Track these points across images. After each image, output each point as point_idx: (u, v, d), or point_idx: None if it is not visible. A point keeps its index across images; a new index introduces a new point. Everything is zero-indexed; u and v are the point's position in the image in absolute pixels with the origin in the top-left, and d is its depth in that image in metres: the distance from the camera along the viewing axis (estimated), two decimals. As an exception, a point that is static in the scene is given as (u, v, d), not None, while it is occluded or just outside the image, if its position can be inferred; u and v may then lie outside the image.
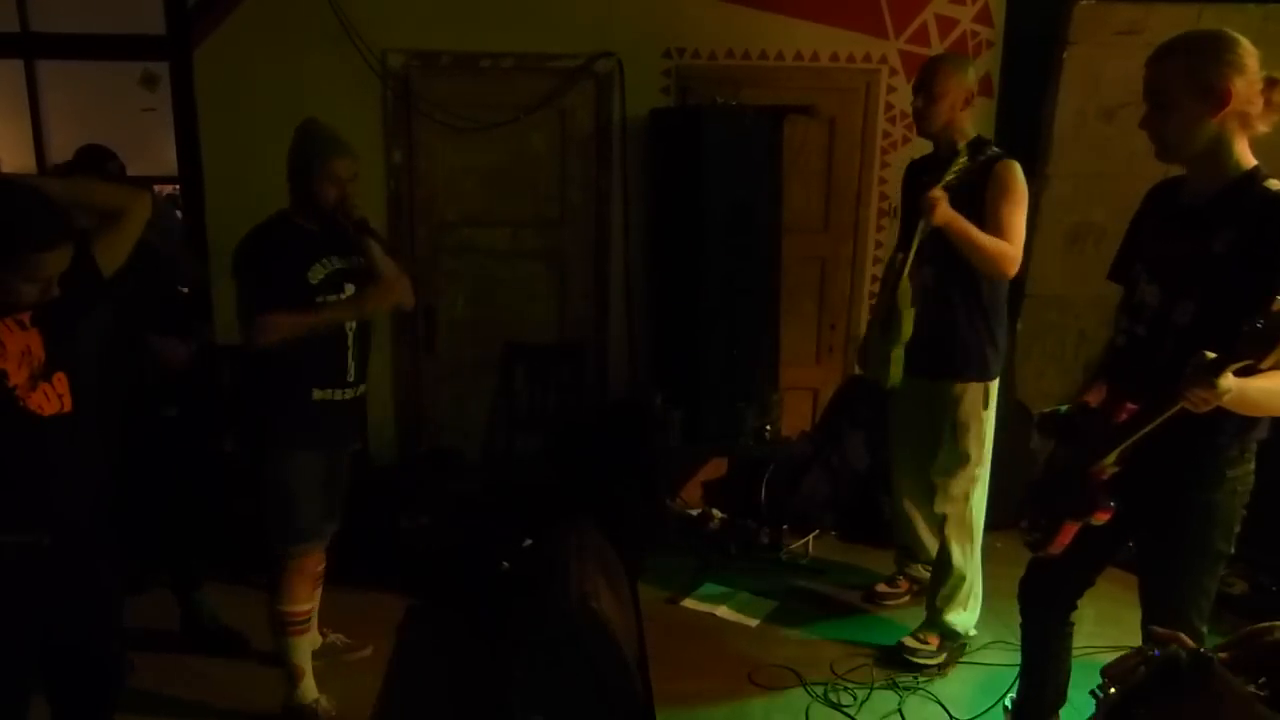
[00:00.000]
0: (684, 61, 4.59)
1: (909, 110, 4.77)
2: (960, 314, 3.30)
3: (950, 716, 3.18)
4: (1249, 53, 2.03)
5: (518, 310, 4.84)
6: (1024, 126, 4.66)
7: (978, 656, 3.53)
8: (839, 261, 4.97)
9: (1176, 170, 2.25)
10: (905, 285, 3.24)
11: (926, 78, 3.26)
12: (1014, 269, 3.15)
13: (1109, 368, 2.39)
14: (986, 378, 3.39)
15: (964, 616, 3.49)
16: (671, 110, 4.55)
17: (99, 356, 2.21)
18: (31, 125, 4.94)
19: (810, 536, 4.50)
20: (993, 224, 3.12)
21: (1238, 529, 2.24)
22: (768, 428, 4.64)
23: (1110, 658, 1.42)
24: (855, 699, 3.27)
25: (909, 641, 3.49)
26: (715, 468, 4.81)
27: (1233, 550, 2.26)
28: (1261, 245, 1.97)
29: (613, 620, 3.25)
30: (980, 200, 3.15)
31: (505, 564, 3.84)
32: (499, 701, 3.19)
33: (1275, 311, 1.74)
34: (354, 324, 2.98)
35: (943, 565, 3.51)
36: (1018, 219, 3.14)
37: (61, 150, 4.75)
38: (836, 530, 4.66)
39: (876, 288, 4.92)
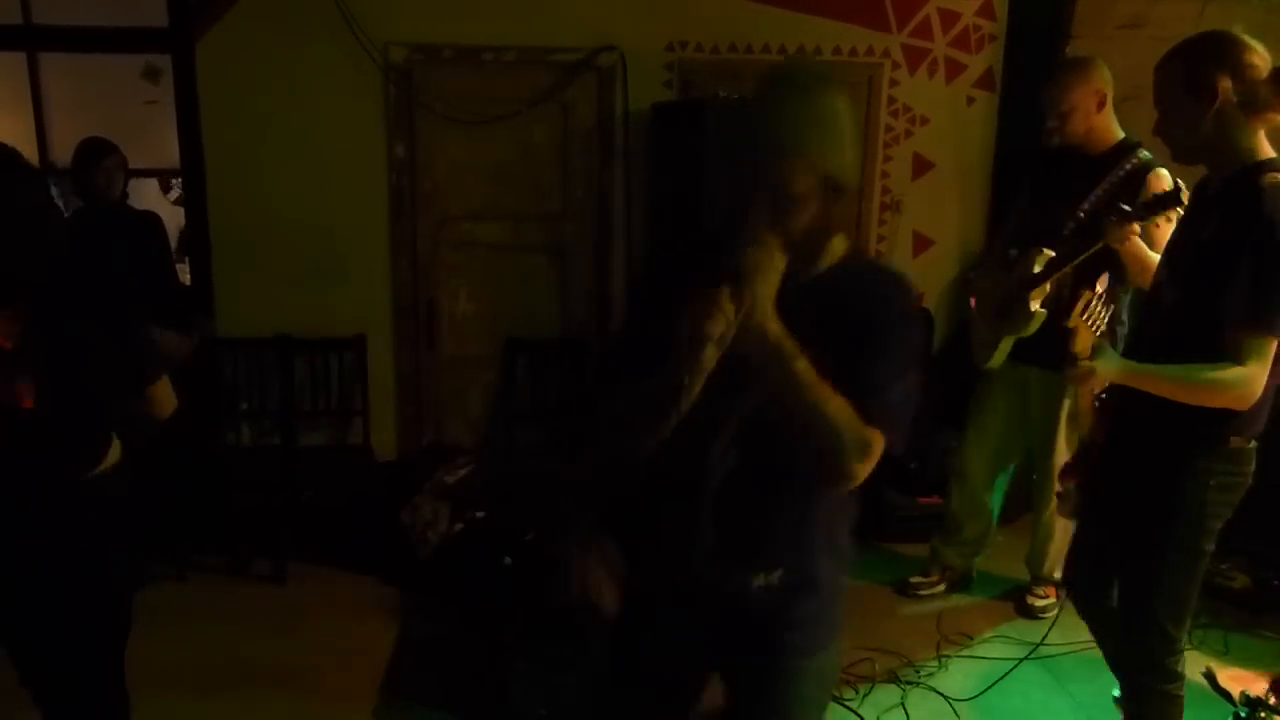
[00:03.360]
0: (686, 55, 4.58)
1: (911, 104, 4.80)
2: None
3: (953, 710, 3.18)
4: (1245, 49, 2.07)
5: (519, 304, 4.84)
6: (1026, 121, 4.66)
7: (979, 650, 3.54)
8: (841, 256, 4.96)
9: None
10: (1045, 288, 3.13)
11: (1051, 96, 3.17)
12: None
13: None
14: None
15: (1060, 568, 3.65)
16: (674, 104, 4.54)
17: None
18: (34, 118, 4.94)
19: (812, 531, 4.50)
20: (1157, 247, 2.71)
21: (1216, 526, 2.22)
22: None
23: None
24: (858, 693, 3.27)
25: (1031, 600, 3.73)
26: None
27: (1210, 548, 2.25)
28: (1232, 227, 2.02)
29: (615, 615, 3.25)
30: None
31: (507, 559, 3.84)
32: (501, 696, 3.20)
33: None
34: None
35: (1044, 530, 3.69)
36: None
37: (63, 143, 4.76)
38: (838, 525, 4.66)
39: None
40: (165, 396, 2.28)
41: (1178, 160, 2.25)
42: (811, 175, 1.46)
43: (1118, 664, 2.52)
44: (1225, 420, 2.13)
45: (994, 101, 4.78)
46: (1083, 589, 2.66)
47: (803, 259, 1.52)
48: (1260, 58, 2.07)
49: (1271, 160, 2.09)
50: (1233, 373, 2.01)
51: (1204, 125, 2.09)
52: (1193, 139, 2.12)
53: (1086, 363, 2.05)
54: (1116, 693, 2.82)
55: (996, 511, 3.95)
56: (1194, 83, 2.08)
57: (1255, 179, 2.04)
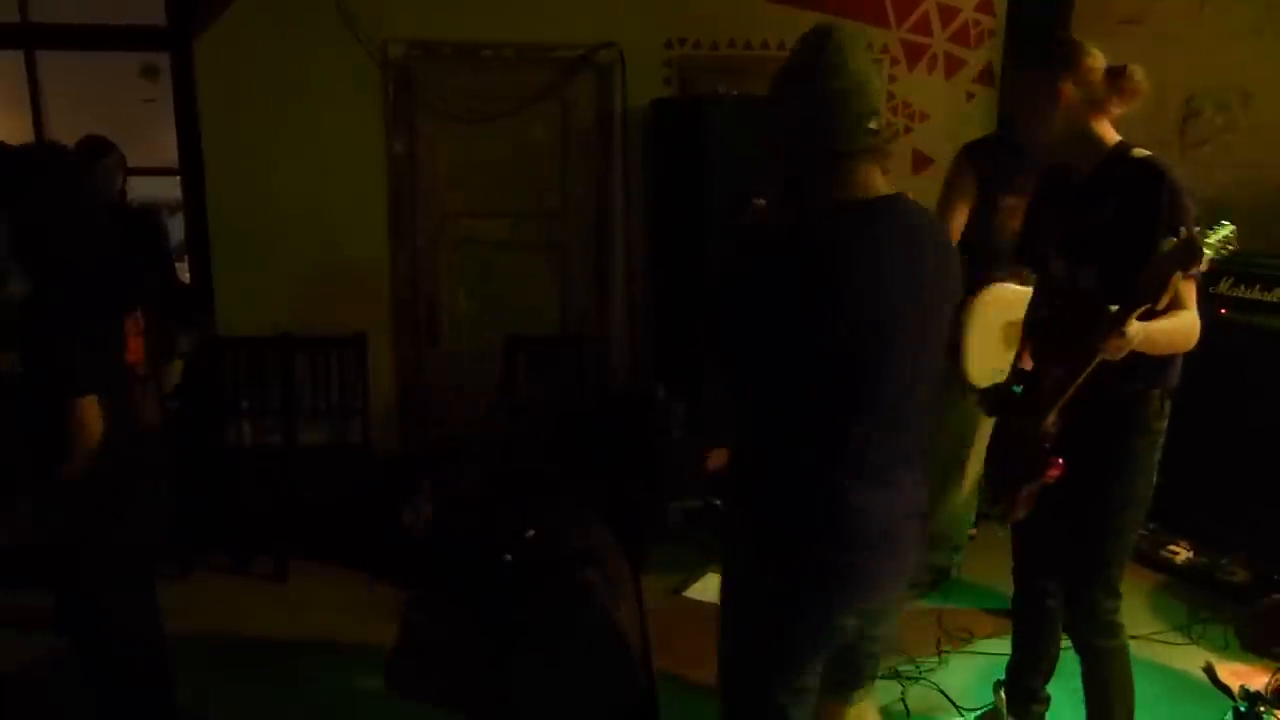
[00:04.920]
0: (685, 52, 4.58)
1: (911, 100, 4.80)
2: None
3: (953, 705, 3.19)
4: (1084, 53, 2.33)
5: (519, 301, 4.84)
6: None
7: (979, 646, 3.54)
8: (841, 252, 4.95)
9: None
10: None
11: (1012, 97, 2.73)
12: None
13: (1034, 339, 2.59)
14: None
15: None
16: (673, 100, 4.54)
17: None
18: (32, 116, 4.93)
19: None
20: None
21: (1155, 477, 2.43)
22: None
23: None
24: (857, 688, 3.27)
25: None
26: (718, 458, 4.80)
27: (1150, 493, 2.45)
28: (1138, 205, 2.24)
29: (616, 611, 3.26)
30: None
31: (507, 555, 3.84)
32: (502, 692, 3.20)
33: (1160, 257, 2.03)
34: None
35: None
36: None
37: (62, 141, 4.75)
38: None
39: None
40: (86, 420, 2.19)
41: (1038, 157, 2.51)
42: None
43: (1074, 637, 2.59)
44: (1161, 380, 2.37)
45: (993, 97, 4.78)
46: (1030, 596, 2.77)
47: None
48: (1096, 59, 2.33)
49: (1124, 141, 2.34)
50: (1190, 316, 2.25)
51: (1057, 119, 2.34)
52: (1048, 136, 2.37)
53: (1130, 330, 2.09)
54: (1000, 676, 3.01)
55: (970, 508, 3.94)
56: (1046, 88, 2.33)
57: (1127, 156, 2.31)
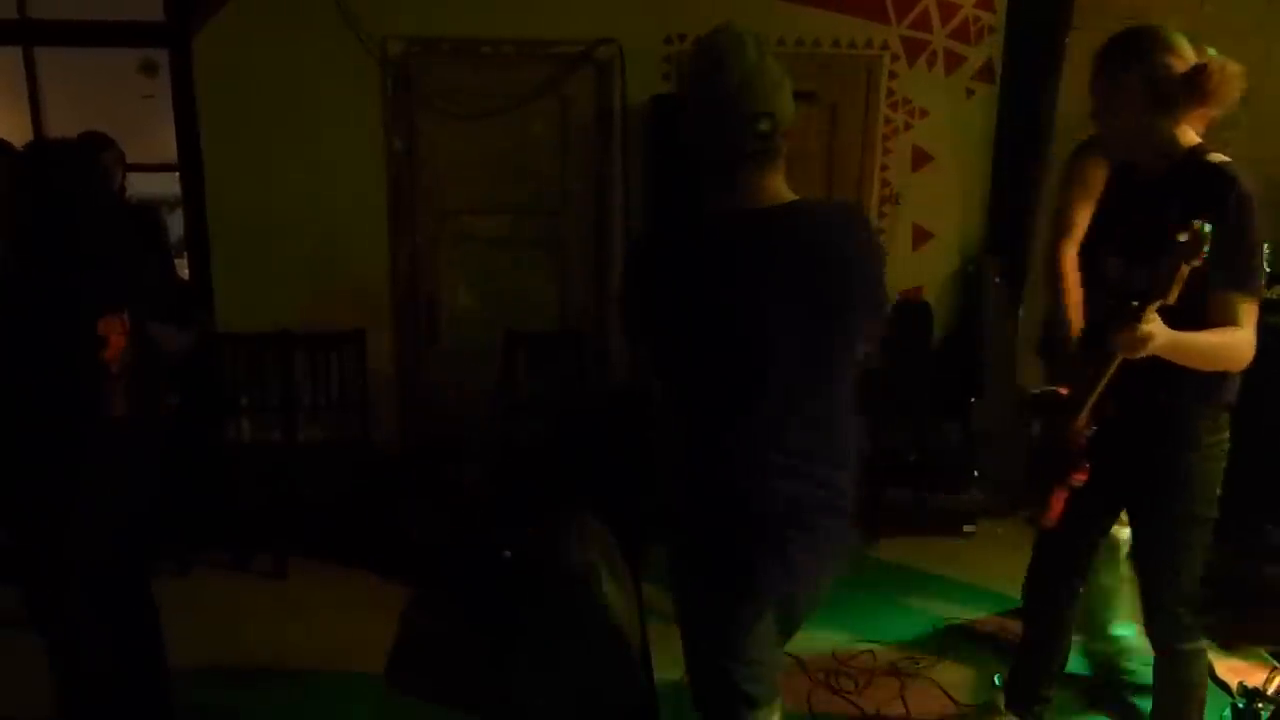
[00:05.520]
0: (685, 48, 4.56)
1: (910, 96, 4.79)
2: None
3: (952, 702, 3.19)
4: (1161, 48, 2.19)
5: (519, 298, 4.84)
6: (1026, 113, 4.65)
7: (980, 643, 3.54)
8: (840, 248, 4.95)
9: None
10: None
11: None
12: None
13: (1084, 341, 2.52)
14: None
15: None
16: (673, 97, 4.53)
17: None
18: (30, 112, 4.93)
19: (811, 523, 4.50)
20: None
21: (1219, 492, 2.35)
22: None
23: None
24: (857, 685, 3.28)
25: None
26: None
27: (1216, 514, 2.38)
28: (1204, 211, 2.07)
29: (615, 609, 3.26)
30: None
31: (506, 552, 3.84)
32: (502, 691, 3.20)
33: (1175, 249, 1.94)
34: None
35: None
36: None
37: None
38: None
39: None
40: None
41: (1107, 145, 2.41)
42: None
43: (1153, 640, 2.56)
44: (1215, 394, 2.28)
45: (994, 93, 4.77)
46: (1047, 600, 2.72)
47: None
48: (1176, 57, 2.18)
49: (1201, 145, 2.23)
50: (1242, 335, 2.14)
51: (1124, 115, 2.24)
52: (1115, 126, 2.28)
53: (1147, 326, 2.01)
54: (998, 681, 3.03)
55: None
56: (1112, 76, 2.24)
57: (1200, 160, 2.19)
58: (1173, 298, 2.00)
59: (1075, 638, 2.99)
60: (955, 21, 4.68)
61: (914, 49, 4.70)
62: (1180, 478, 2.33)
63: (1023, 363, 4.73)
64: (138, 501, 2.58)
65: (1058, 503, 2.39)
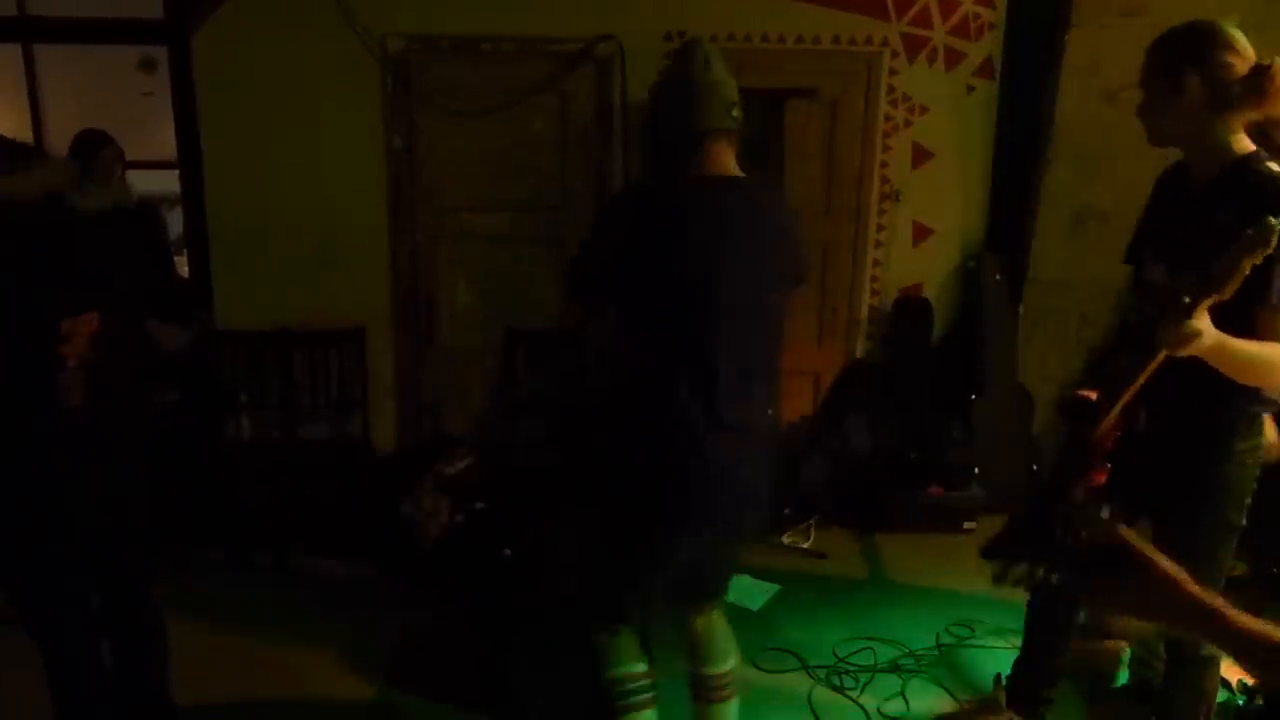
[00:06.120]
0: (685, 45, 4.56)
1: (911, 93, 4.79)
2: None
3: (953, 698, 3.19)
4: (1222, 46, 2.12)
5: (519, 295, 4.83)
6: (1026, 110, 4.65)
7: (981, 640, 3.54)
8: (840, 245, 4.95)
9: (1175, 154, 2.31)
10: None
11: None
12: None
13: (1121, 342, 2.44)
14: None
15: None
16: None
17: None
18: (30, 110, 4.93)
19: (811, 521, 4.51)
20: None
21: (1249, 501, 2.31)
22: (769, 411, 4.63)
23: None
24: (858, 682, 3.28)
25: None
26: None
27: (1244, 522, 2.34)
28: (1252, 215, 1.99)
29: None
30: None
31: (507, 550, 3.84)
32: (502, 688, 3.21)
33: (1238, 243, 1.84)
34: None
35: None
36: None
37: (59, 135, 4.74)
38: (838, 514, 4.67)
39: (878, 271, 4.92)
40: None
41: (1153, 142, 2.27)
42: None
43: (1168, 646, 2.57)
44: (1251, 404, 2.23)
45: (994, 90, 4.76)
46: (1051, 599, 2.68)
47: None
48: (1237, 56, 2.11)
49: (1257, 153, 2.14)
50: None
51: (1175, 115, 2.16)
52: (1165, 125, 2.20)
53: (1196, 323, 1.93)
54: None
55: None
56: (1168, 73, 2.15)
57: (1257, 168, 2.09)
58: (1229, 293, 1.91)
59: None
60: (955, 18, 4.67)
61: (914, 45, 4.69)
62: (1212, 485, 2.29)
63: (1023, 358, 4.73)
64: (119, 496, 2.57)
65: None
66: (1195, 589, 1.16)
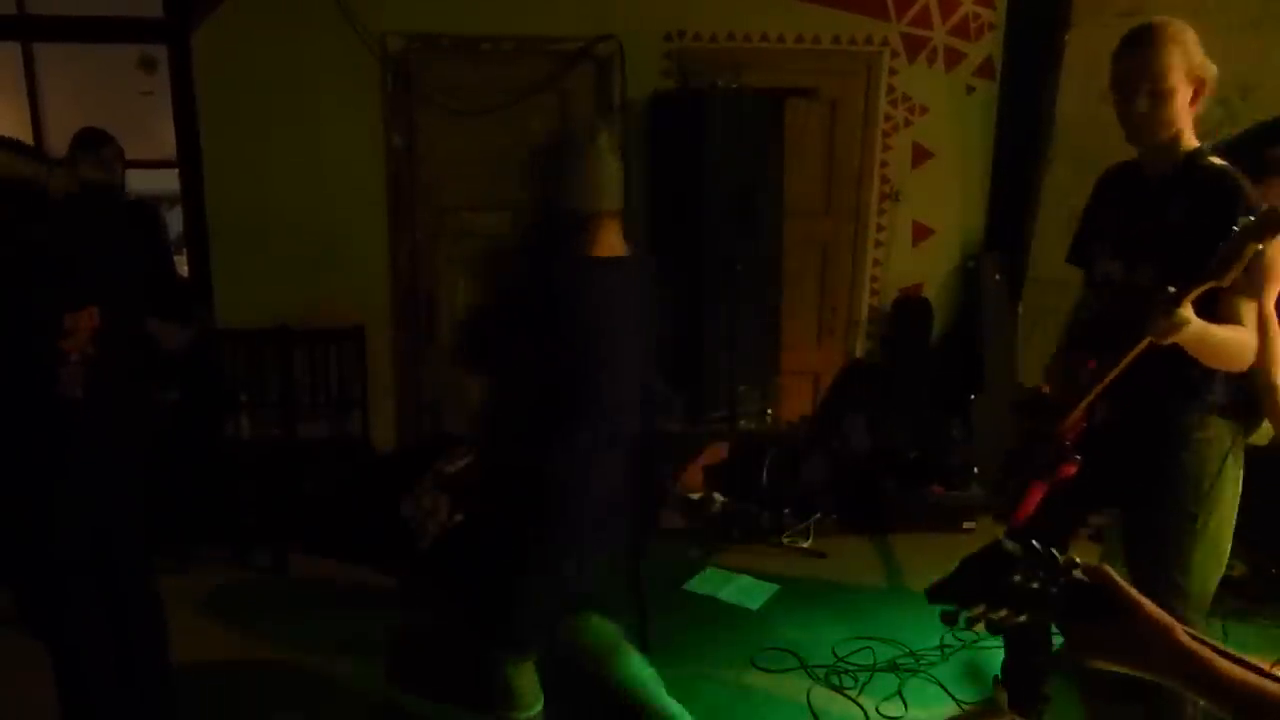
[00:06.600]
0: (685, 44, 4.56)
1: (911, 93, 4.79)
2: None
3: (951, 698, 3.19)
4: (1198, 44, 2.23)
5: (518, 294, 4.82)
6: (1026, 110, 4.65)
7: (984, 642, 3.54)
8: (840, 245, 4.96)
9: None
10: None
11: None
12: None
13: (1074, 338, 2.54)
14: None
15: None
16: (672, 93, 4.53)
17: None
18: (29, 108, 4.93)
19: (811, 521, 4.51)
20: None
21: (1210, 491, 2.34)
22: (768, 411, 4.64)
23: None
24: (856, 681, 3.28)
25: None
26: (716, 452, 4.81)
27: (1212, 515, 2.35)
28: (1211, 213, 2.12)
29: (614, 604, 3.25)
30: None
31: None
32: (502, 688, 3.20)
33: (1239, 231, 1.91)
34: None
35: None
36: None
37: (59, 133, 4.74)
38: (837, 514, 4.67)
39: (878, 271, 4.93)
40: None
41: (1141, 141, 2.30)
42: None
43: None
44: (1207, 391, 2.29)
45: (994, 90, 4.77)
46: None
47: None
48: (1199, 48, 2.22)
49: (1200, 148, 2.25)
50: (1250, 336, 2.18)
51: (1176, 114, 2.21)
52: (1166, 125, 2.23)
53: (1185, 312, 2.01)
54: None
55: None
56: (1192, 72, 2.19)
57: (1204, 164, 2.21)
58: (1228, 280, 1.97)
59: None
60: (955, 18, 4.68)
61: (914, 45, 4.70)
62: (1172, 475, 2.33)
63: (1022, 358, 4.73)
64: (118, 491, 2.57)
65: (1032, 500, 2.39)
66: (1185, 638, 1.05)
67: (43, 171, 2.40)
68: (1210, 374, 2.26)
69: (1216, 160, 2.23)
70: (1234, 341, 2.16)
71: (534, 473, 2.37)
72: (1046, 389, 2.50)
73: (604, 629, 2.71)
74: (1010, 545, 1.15)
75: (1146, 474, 2.36)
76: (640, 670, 2.67)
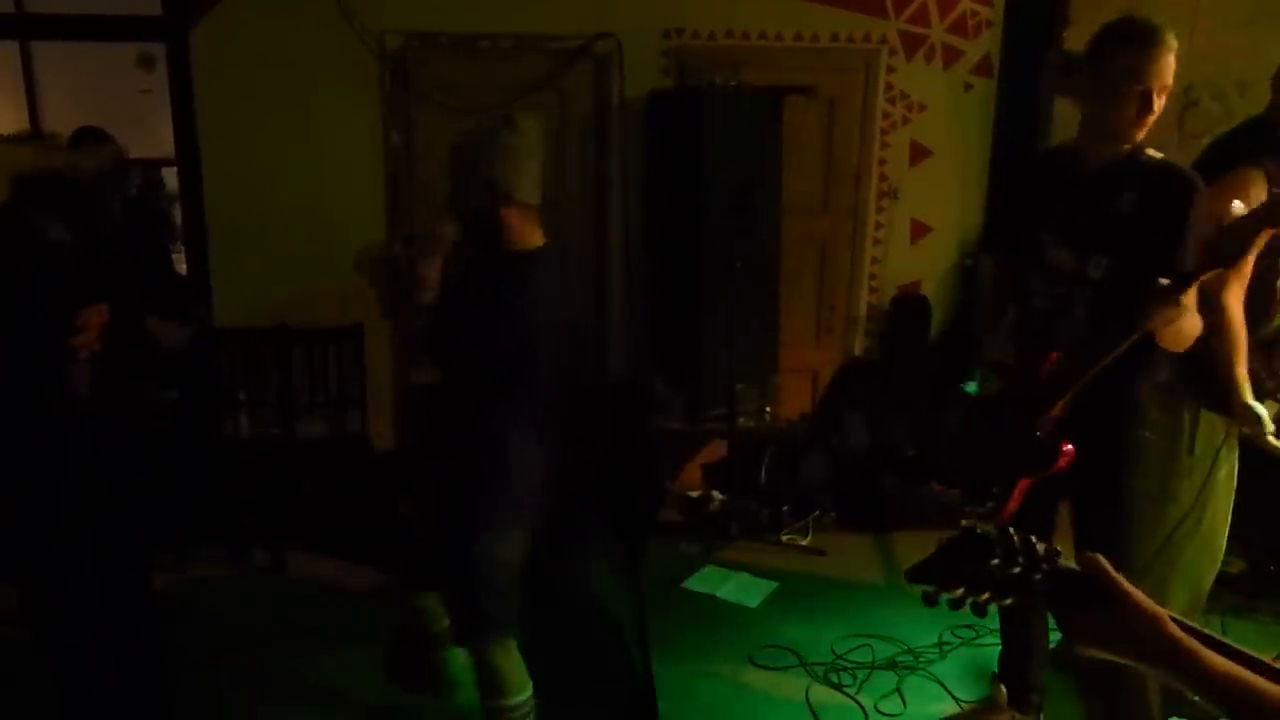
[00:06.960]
0: (683, 42, 4.56)
1: (909, 91, 4.79)
2: None
3: (950, 696, 3.20)
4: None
5: (517, 293, 4.82)
6: (1024, 107, 4.65)
7: (982, 640, 3.55)
8: (839, 243, 4.96)
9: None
10: None
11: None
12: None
13: (1023, 331, 2.57)
14: None
15: None
16: (671, 91, 4.53)
17: None
18: (28, 107, 4.92)
19: (810, 518, 4.52)
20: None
21: (1172, 479, 2.46)
22: (767, 409, 4.64)
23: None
24: (855, 679, 3.29)
25: None
26: (715, 450, 4.81)
27: (1174, 500, 2.48)
28: (1162, 205, 2.22)
29: (614, 602, 3.27)
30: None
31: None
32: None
33: (1245, 218, 2.00)
34: None
35: None
36: None
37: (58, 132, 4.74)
38: (836, 512, 4.67)
39: (876, 269, 4.93)
40: None
41: (1123, 140, 2.32)
42: None
43: None
44: (1158, 371, 2.38)
45: (992, 87, 4.77)
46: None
47: None
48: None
49: (1140, 144, 2.31)
50: (1197, 315, 2.26)
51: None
52: (1146, 126, 2.28)
53: (1187, 299, 2.11)
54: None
55: None
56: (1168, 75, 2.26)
57: (1144, 159, 2.29)
58: (1237, 263, 2.08)
59: None
60: (953, 16, 4.68)
61: (912, 43, 4.70)
62: (1130, 450, 2.39)
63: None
64: (118, 488, 2.58)
65: (1020, 495, 2.40)
66: (1173, 629, 1.07)
67: (74, 160, 2.41)
68: (1158, 353, 2.32)
69: (1156, 153, 2.30)
70: (1191, 323, 2.24)
71: (479, 444, 2.46)
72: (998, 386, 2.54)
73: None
74: (984, 529, 1.16)
75: (1103, 454, 2.38)
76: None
